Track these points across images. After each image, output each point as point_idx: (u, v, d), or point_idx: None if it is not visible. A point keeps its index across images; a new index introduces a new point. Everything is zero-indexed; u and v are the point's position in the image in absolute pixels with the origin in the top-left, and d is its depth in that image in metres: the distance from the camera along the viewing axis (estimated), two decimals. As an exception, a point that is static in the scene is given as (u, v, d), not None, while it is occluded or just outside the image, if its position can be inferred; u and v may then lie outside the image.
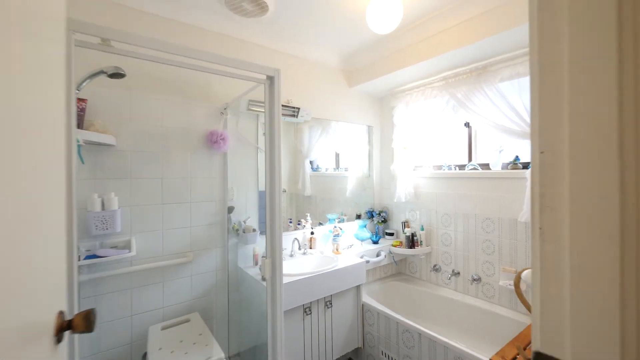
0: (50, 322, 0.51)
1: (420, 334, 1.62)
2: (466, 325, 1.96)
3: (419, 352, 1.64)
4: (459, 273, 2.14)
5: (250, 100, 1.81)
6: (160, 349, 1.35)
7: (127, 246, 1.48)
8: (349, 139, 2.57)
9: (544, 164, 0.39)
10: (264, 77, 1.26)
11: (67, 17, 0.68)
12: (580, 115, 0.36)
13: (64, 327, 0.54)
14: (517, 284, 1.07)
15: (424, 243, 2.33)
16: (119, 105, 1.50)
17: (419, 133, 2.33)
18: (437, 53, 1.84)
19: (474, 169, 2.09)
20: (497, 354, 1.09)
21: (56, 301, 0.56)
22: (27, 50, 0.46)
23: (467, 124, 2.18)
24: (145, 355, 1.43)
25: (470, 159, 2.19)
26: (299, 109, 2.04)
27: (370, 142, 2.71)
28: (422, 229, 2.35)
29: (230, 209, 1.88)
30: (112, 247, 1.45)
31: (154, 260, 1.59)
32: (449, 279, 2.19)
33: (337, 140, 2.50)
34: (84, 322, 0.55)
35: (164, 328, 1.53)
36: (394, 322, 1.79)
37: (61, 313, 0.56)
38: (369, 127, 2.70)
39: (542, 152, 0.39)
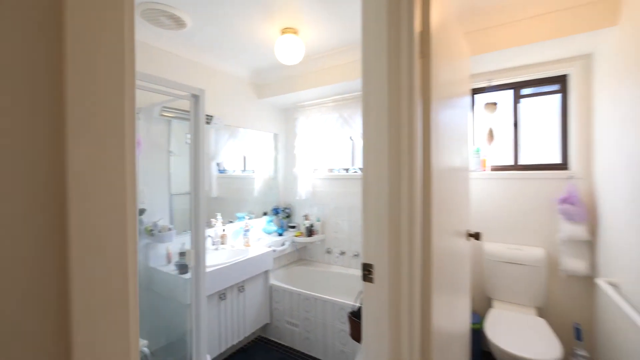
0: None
1: (316, 299, 2.12)
2: (349, 289, 2.59)
3: (315, 312, 2.14)
4: (345, 252, 2.77)
5: (163, 107, 1.91)
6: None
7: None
8: (257, 144, 2.88)
9: (364, 175, 0.86)
10: (186, 93, 1.46)
11: None
12: (373, 146, 0.83)
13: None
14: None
15: (319, 232, 2.87)
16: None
17: (316, 141, 2.85)
18: (329, 83, 2.37)
19: (355, 172, 2.75)
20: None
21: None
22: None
23: (350, 138, 2.84)
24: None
25: (353, 164, 2.85)
26: (212, 116, 2.22)
27: (276, 148, 3.09)
28: (319, 221, 2.90)
29: (142, 211, 1.92)
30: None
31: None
32: (338, 257, 2.81)
33: (245, 144, 2.77)
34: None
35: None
36: (297, 295, 2.24)
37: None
38: (275, 135, 3.07)
39: (361, 168, 0.86)
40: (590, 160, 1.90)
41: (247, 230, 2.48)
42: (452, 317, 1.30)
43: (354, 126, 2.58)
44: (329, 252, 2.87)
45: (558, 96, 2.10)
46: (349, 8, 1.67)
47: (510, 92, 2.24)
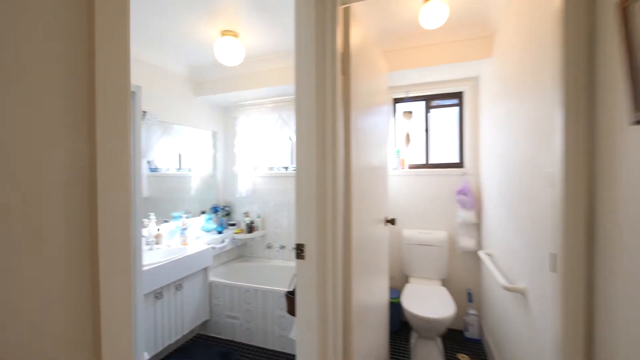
0: None
1: (256, 290, 2.23)
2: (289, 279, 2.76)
3: (255, 303, 2.24)
4: (284, 246, 2.92)
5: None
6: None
7: None
8: (194, 142, 2.83)
9: (297, 172, 1.03)
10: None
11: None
12: (304, 148, 1.01)
13: None
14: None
15: (260, 228, 2.97)
16: None
17: (256, 140, 2.94)
18: (268, 85, 2.49)
19: (294, 170, 2.92)
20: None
21: None
22: None
23: (290, 138, 3.00)
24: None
25: (292, 163, 3.01)
26: (145, 112, 2.15)
27: (215, 146, 3.07)
28: (259, 217, 2.99)
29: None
30: None
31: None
32: (278, 251, 2.94)
33: (181, 142, 2.70)
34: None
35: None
36: (237, 289, 2.31)
37: None
38: (214, 133, 3.05)
39: (294, 168, 1.03)
40: (477, 160, 2.41)
41: (184, 229, 2.45)
42: (371, 290, 1.57)
43: (293, 127, 2.75)
44: (269, 247, 2.99)
45: (457, 108, 2.59)
46: (286, 19, 1.83)
47: (423, 103, 2.68)
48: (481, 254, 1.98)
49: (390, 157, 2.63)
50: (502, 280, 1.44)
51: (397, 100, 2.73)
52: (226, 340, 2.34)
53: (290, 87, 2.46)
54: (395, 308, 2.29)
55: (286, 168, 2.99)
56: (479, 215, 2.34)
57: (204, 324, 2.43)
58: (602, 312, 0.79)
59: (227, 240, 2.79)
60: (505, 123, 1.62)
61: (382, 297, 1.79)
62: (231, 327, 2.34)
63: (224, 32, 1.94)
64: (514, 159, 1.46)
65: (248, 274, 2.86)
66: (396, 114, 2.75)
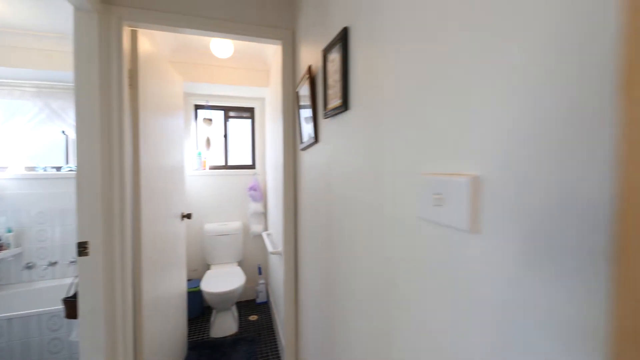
0: None
1: (9, 320, 1.78)
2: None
3: (9, 336, 1.79)
4: (56, 262, 2.42)
5: None
6: None
7: None
8: None
9: (78, 172, 1.09)
10: None
11: None
12: (87, 149, 1.10)
13: None
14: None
15: (12, 245, 2.29)
16: None
17: (4, 131, 2.24)
18: (26, 65, 2.02)
19: (71, 170, 2.48)
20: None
21: None
22: None
23: (63, 132, 2.50)
24: None
25: (67, 162, 2.53)
26: None
27: None
28: (10, 232, 2.30)
29: None
30: None
31: None
32: (46, 270, 2.39)
33: None
34: None
35: None
36: (-27, 327, 1.74)
37: None
38: None
39: (72, 168, 1.09)
40: (263, 163, 3.09)
41: None
42: (167, 282, 1.75)
43: (68, 120, 2.34)
44: (29, 267, 2.37)
45: (250, 120, 3.18)
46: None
47: (222, 112, 3.07)
48: (264, 234, 2.62)
49: (191, 159, 2.84)
50: (270, 248, 2.06)
51: (198, 107, 2.96)
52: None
53: (65, 74, 2.12)
54: (197, 296, 2.54)
55: (59, 168, 2.48)
56: (265, 206, 3.01)
57: None
58: (300, 257, 1.46)
59: (-56, 269, 1.97)
60: (275, 136, 2.29)
61: (179, 287, 2.00)
62: (-39, 383, 1.73)
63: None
64: (275, 162, 2.12)
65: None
66: (198, 119, 2.98)
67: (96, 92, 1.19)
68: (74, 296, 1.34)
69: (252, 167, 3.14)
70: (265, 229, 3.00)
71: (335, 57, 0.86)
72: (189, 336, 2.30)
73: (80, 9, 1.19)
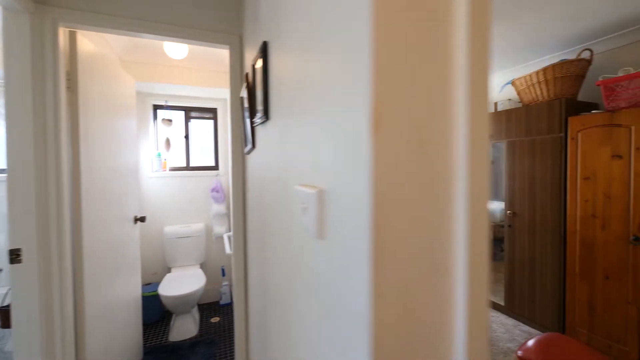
0: None
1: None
2: None
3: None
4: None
5: None
6: None
7: None
8: None
9: (9, 176, 1.07)
10: None
11: None
12: (18, 152, 1.08)
13: None
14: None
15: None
16: None
17: None
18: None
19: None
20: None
21: None
22: None
23: None
24: None
25: None
26: None
27: None
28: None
29: None
30: None
31: None
32: (-12, 279, 2.26)
33: None
34: None
35: None
36: None
37: None
38: None
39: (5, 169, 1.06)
40: (227, 164, 3.08)
41: None
42: (117, 288, 1.72)
43: None
44: (-30, 276, 2.22)
45: (212, 121, 3.15)
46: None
47: (183, 113, 3.02)
48: (225, 235, 2.62)
49: (150, 160, 2.78)
50: (229, 250, 2.08)
51: (157, 107, 2.89)
52: None
53: None
54: (157, 300, 2.50)
55: None
56: (228, 207, 3.01)
57: None
58: (249, 260, 1.50)
59: None
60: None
61: (132, 292, 1.96)
62: None
63: None
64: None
65: None
66: (157, 120, 2.91)
67: (28, 94, 1.17)
68: (9, 305, 1.29)
69: (215, 168, 3.12)
70: (229, 230, 3.00)
71: (258, 67, 0.91)
72: (145, 341, 2.27)
73: (9, 9, 1.16)
